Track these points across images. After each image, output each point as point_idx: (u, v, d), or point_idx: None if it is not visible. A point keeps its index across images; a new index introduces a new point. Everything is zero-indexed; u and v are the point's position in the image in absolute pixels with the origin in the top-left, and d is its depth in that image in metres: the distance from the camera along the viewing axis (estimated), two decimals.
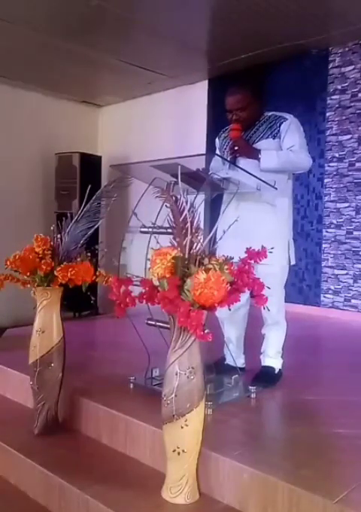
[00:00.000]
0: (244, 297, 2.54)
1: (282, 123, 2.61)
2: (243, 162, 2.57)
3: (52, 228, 2.37)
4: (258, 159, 2.54)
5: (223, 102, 2.69)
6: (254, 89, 2.71)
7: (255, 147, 2.61)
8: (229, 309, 1.69)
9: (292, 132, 2.60)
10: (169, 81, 5.94)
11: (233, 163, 2.56)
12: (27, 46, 5.01)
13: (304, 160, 2.62)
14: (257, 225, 2.55)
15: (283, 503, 1.67)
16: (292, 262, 2.70)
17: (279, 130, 2.60)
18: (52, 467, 2.06)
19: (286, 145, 2.59)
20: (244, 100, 2.61)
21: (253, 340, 2.79)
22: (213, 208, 2.67)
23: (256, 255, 1.73)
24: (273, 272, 2.54)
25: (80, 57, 5.24)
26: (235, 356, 2.73)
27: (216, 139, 2.91)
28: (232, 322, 2.77)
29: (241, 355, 2.85)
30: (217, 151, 2.88)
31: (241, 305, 2.65)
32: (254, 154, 2.56)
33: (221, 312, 2.61)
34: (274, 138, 2.61)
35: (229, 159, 2.62)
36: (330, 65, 5.01)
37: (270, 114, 2.68)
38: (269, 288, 1.75)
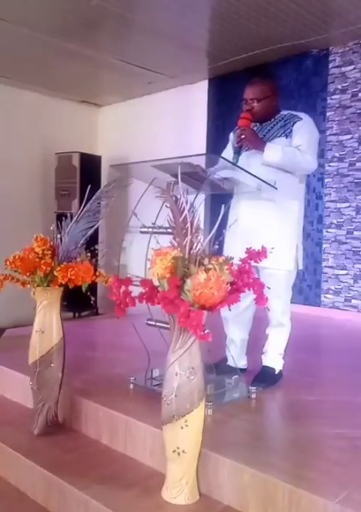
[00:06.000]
0: (250, 298, 2.52)
1: (296, 122, 2.60)
2: (248, 153, 2.58)
3: (52, 228, 2.36)
4: (263, 151, 2.52)
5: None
6: (274, 83, 2.72)
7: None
8: (229, 310, 1.68)
9: (303, 132, 2.58)
10: (169, 81, 5.95)
11: (238, 152, 2.56)
12: (27, 46, 5.01)
13: (309, 162, 2.58)
14: (265, 226, 2.55)
15: (283, 503, 1.67)
16: (300, 267, 2.67)
17: (292, 129, 2.59)
18: (52, 468, 2.06)
19: (294, 144, 2.57)
20: (260, 92, 2.61)
21: (256, 341, 2.79)
22: (213, 208, 2.67)
23: (256, 255, 1.73)
24: (280, 275, 2.53)
25: (80, 57, 5.24)
26: (237, 357, 2.73)
27: (231, 134, 2.85)
28: (236, 323, 2.76)
29: (243, 356, 2.84)
30: (230, 145, 2.83)
31: (247, 307, 2.65)
32: (260, 145, 2.54)
33: (226, 313, 2.61)
34: (286, 137, 2.59)
35: (234, 146, 2.61)
36: (330, 65, 5.01)
37: (286, 112, 2.67)
38: (269, 288, 1.75)
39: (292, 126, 2.59)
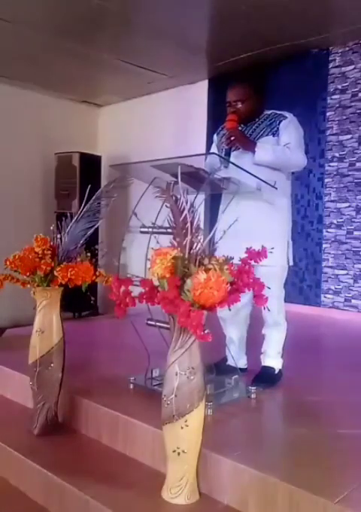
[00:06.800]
0: (246, 297, 2.53)
1: (282, 120, 2.63)
2: (236, 153, 2.59)
3: (52, 228, 2.36)
4: (254, 151, 2.54)
5: (224, 101, 2.69)
6: (255, 84, 2.74)
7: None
8: (229, 310, 1.68)
9: (290, 130, 2.61)
10: (169, 81, 5.95)
11: (228, 153, 2.57)
12: (27, 46, 5.01)
13: (300, 158, 2.62)
14: (258, 225, 2.55)
15: (283, 503, 1.67)
16: (290, 263, 2.70)
17: (278, 128, 2.62)
18: (52, 468, 2.06)
19: (282, 142, 2.60)
20: (243, 93, 2.64)
21: (254, 341, 2.79)
22: (213, 208, 2.67)
23: (256, 255, 1.73)
24: (273, 273, 2.54)
25: (81, 57, 5.24)
26: (237, 357, 2.74)
27: (215, 135, 2.91)
28: (233, 323, 2.77)
29: (243, 355, 2.85)
30: (214, 146, 2.87)
31: (243, 306, 2.65)
32: (250, 146, 2.57)
33: (223, 313, 2.62)
34: (273, 136, 2.62)
35: (224, 149, 2.62)
36: (330, 65, 5.01)
37: (270, 112, 2.69)
38: (269, 288, 1.75)
39: (279, 124, 2.62)
